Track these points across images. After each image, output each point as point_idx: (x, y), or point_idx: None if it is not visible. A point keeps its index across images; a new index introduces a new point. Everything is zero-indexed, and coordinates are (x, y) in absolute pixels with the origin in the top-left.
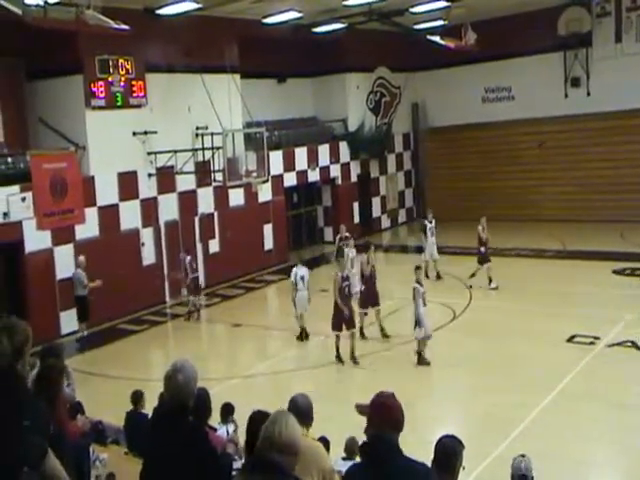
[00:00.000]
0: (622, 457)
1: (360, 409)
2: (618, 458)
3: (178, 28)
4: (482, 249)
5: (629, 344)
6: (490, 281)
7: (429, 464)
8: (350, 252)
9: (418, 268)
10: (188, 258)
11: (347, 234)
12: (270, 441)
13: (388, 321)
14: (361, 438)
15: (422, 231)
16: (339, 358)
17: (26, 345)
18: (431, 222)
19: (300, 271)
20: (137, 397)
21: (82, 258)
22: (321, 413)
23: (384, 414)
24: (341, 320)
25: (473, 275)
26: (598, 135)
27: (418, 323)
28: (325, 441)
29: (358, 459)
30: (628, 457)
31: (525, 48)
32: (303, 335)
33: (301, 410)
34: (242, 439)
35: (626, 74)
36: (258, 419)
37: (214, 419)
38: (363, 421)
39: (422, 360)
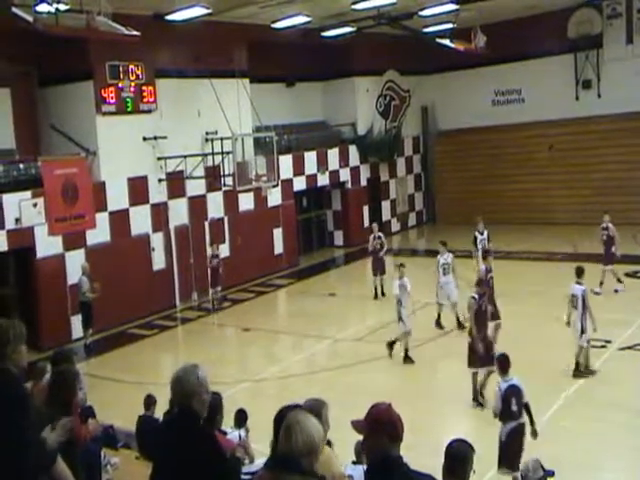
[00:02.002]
0: (636, 461)
1: (356, 425)
2: (631, 462)
3: (187, 33)
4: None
5: None
6: (601, 284)
7: (440, 468)
8: (442, 258)
9: (581, 271)
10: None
11: (380, 234)
12: (289, 448)
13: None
14: None
15: (473, 243)
16: (477, 400)
17: (8, 345)
18: (482, 233)
19: (406, 283)
20: (150, 402)
21: (86, 264)
22: (330, 417)
23: (387, 427)
24: (478, 353)
25: (619, 280)
26: (609, 137)
27: (583, 330)
28: (328, 443)
29: (365, 463)
30: None
31: (535, 50)
32: (408, 358)
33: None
34: (253, 443)
35: (637, 75)
36: (286, 415)
37: (226, 423)
38: None
39: (581, 370)
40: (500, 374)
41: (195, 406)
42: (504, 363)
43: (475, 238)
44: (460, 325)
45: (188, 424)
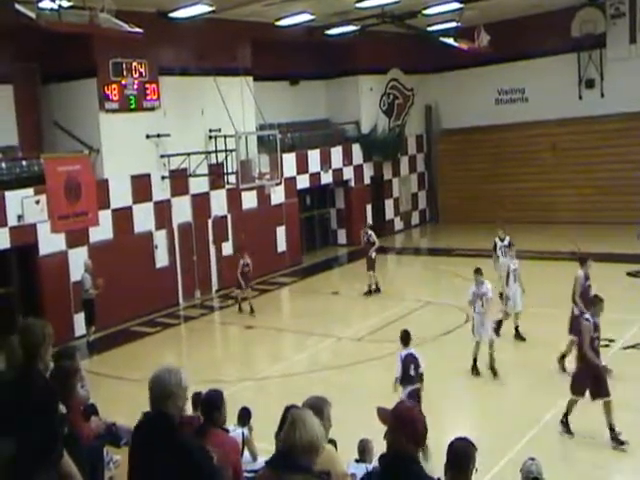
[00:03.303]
0: None
1: (382, 415)
2: (636, 462)
3: (191, 31)
4: None
5: None
6: None
7: (442, 467)
8: (512, 263)
9: None
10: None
11: (370, 231)
12: (292, 445)
13: (401, 325)
14: (373, 440)
15: (492, 249)
16: (567, 427)
17: (42, 346)
18: (503, 239)
19: (481, 289)
20: None
21: (88, 261)
22: (333, 415)
23: (407, 427)
24: (586, 381)
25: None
26: (612, 137)
27: None
28: (332, 443)
29: (368, 461)
30: None
31: (539, 49)
32: (475, 370)
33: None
34: (256, 441)
35: None
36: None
37: (229, 421)
38: (374, 424)
39: None
40: (402, 345)
41: (170, 409)
42: (405, 337)
43: (495, 244)
44: (519, 336)
45: (160, 428)
